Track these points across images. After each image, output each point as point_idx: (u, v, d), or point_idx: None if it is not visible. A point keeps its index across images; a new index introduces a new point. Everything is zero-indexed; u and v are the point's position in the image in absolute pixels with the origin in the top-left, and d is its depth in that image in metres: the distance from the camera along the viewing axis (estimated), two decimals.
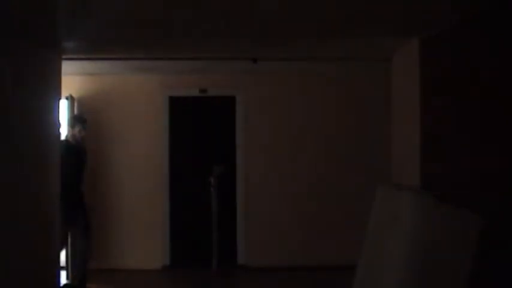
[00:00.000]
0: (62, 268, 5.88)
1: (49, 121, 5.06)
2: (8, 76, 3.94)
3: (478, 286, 3.94)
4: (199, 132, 7.09)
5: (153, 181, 6.85)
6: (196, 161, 7.06)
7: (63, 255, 6.07)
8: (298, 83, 6.99)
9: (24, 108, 4.37)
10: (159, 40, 4.84)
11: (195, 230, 6.98)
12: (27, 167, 4.45)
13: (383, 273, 4.10)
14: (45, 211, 4.92)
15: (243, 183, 7.01)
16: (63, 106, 6.14)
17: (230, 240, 7.02)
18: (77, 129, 5.87)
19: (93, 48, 5.18)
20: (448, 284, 3.87)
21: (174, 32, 4.51)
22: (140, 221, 6.84)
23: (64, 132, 5.84)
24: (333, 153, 6.96)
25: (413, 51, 4.58)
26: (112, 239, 6.81)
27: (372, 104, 6.84)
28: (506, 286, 4.08)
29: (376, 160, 6.51)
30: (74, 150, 5.85)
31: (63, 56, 5.26)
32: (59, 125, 5.26)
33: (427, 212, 3.95)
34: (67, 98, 6.39)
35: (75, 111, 6.76)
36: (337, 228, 6.85)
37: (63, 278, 6.00)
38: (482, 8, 3.70)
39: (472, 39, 4.28)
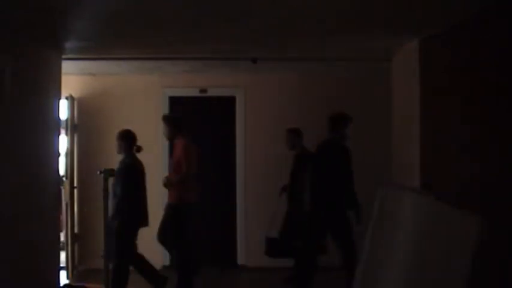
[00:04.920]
0: (62, 268, 5.88)
1: (49, 121, 5.06)
2: (8, 76, 3.94)
3: (478, 286, 3.94)
4: (199, 132, 7.08)
5: (153, 182, 6.83)
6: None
7: (63, 255, 6.07)
8: (298, 83, 6.98)
9: (24, 108, 4.37)
10: (159, 40, 4.84)
11: (195, 230, 6.97)
12: (27, 168, 4.45)
13: (383, 274, 4.09)
14: (45, 211, 4.92)
15: (242, 183, 7.00)
16: (63, 106, 6.13)
17: (230, 240, 7.02)
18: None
19: (93, 48, 5.18)
20: (448, 285, 3.86)
21: (173, 32, 4.51)
22: None
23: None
24: None
25: (413, 51, 4.58)
26: None
27: (372, 104, 6.82)
28: (506, 286, 4.08)
29: (377, 160, 6.50)
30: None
31: (63, 56, 5.26)
32: (59, 125, 5.26)
33: (427, 213, 3.95)
34: (67, 98, 6.38)
35: (76, 112, 6.76)
36: None
37: (63, 278, 5.99)
38: (482, 7, 3.70)
39: (472, 39, 4.27)
